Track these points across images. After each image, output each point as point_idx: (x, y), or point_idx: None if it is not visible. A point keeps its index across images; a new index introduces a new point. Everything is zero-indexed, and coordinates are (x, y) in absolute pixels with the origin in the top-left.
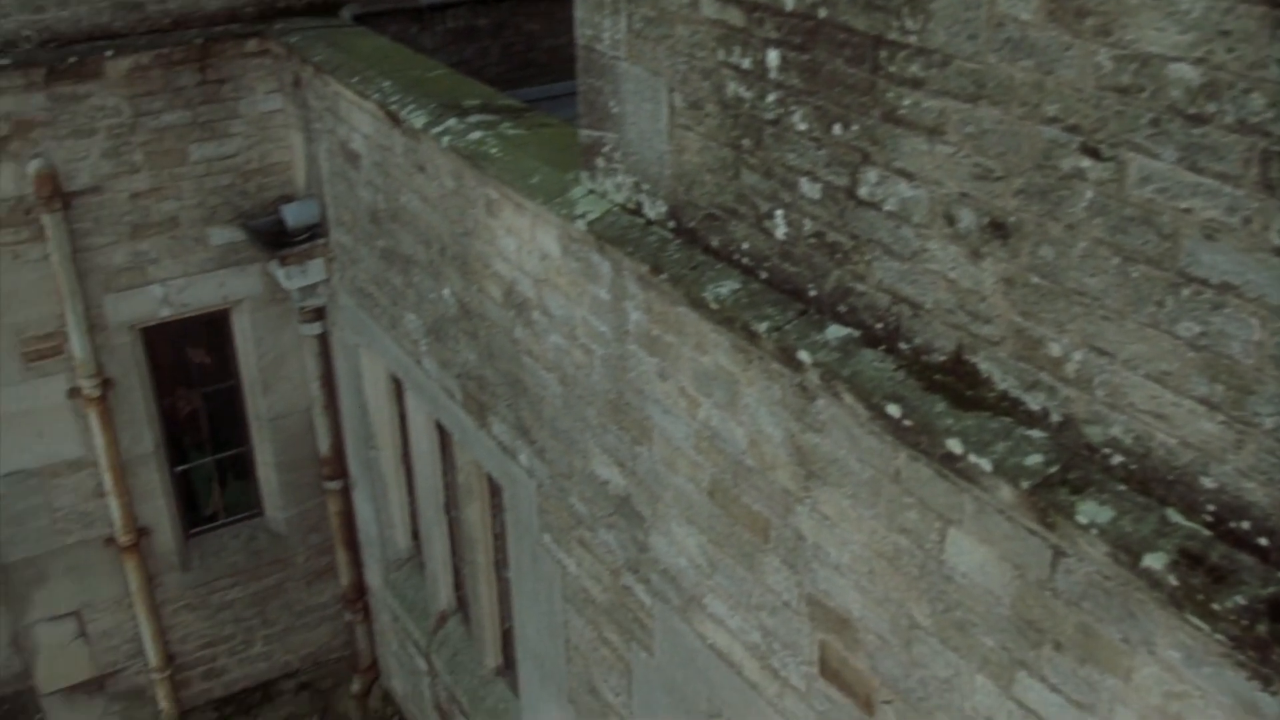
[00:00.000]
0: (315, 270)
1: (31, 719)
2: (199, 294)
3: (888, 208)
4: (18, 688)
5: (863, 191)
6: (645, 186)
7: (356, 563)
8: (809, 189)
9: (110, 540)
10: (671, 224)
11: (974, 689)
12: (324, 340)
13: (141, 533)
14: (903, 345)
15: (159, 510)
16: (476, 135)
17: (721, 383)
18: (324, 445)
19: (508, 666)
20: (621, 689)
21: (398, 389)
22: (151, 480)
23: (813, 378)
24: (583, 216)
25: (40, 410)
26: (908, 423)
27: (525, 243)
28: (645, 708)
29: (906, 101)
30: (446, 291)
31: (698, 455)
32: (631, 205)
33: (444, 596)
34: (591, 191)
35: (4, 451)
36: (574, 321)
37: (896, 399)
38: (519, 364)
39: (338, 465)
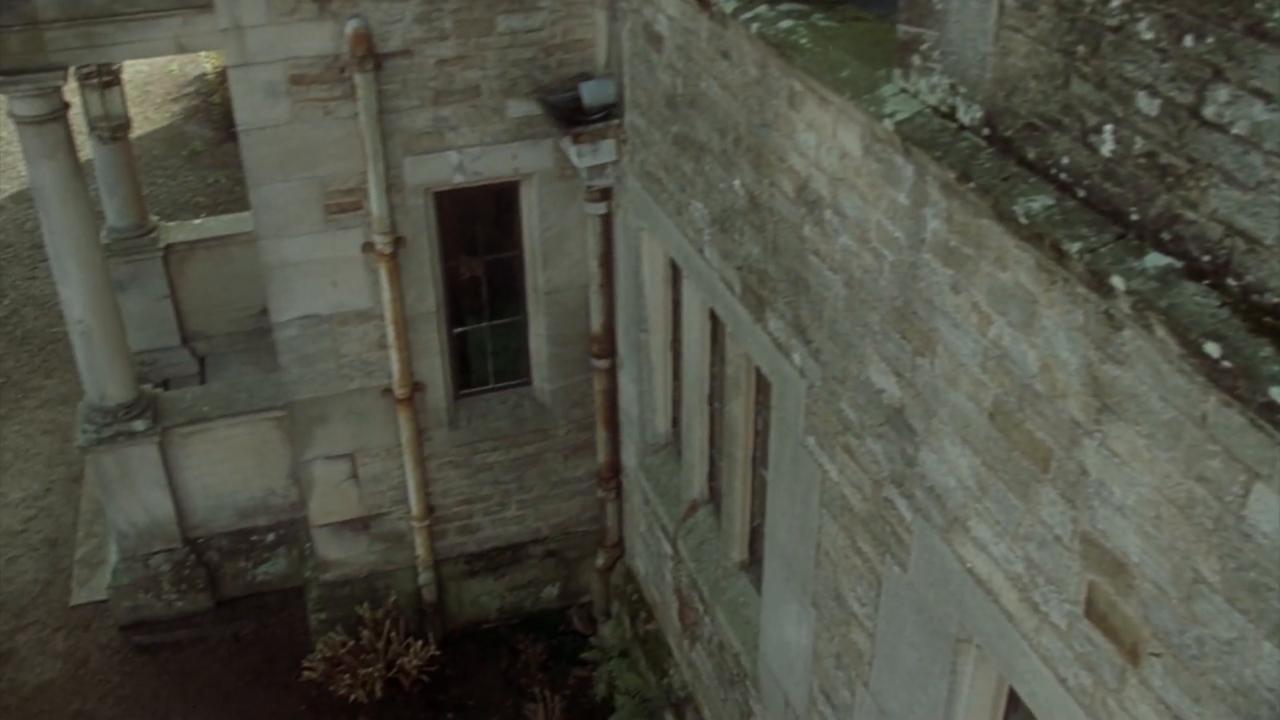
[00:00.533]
0: (606, 150)
1: (302, 546)
2: (491, 164)
3: (1236, 131)
4: (293, 516)
5: (1209, 111)
6: (961, 89)
7: (614, 442)
8: (1146, 104)
9: (387, 391)
10: (985, 131)
11: (1259, 656)
12: (607, 221)
13: (416, 387)
14: (1231, 281)
15: (434, 368)
16: (786, 24)
17: (1019, 302)
18: (596, 323)
19: (753, 562)
20: (868, 600)
21: (675, 275)
22: (430, 339)
23: (1123, 306)
24: (891, 116)
25: (336, 260)
26: (1226, 364)
27: (825, 139)
28: (891, 622)
29: (1277, 14)
30: (737, 183)
31: (983, 374)
32: (944, 108)
33: (697, 485)
34: (903, 91)
35: (301, 295)
36: (867, 224)
37: (1216, 338)
38: (804, 262)
39: (607, 344)
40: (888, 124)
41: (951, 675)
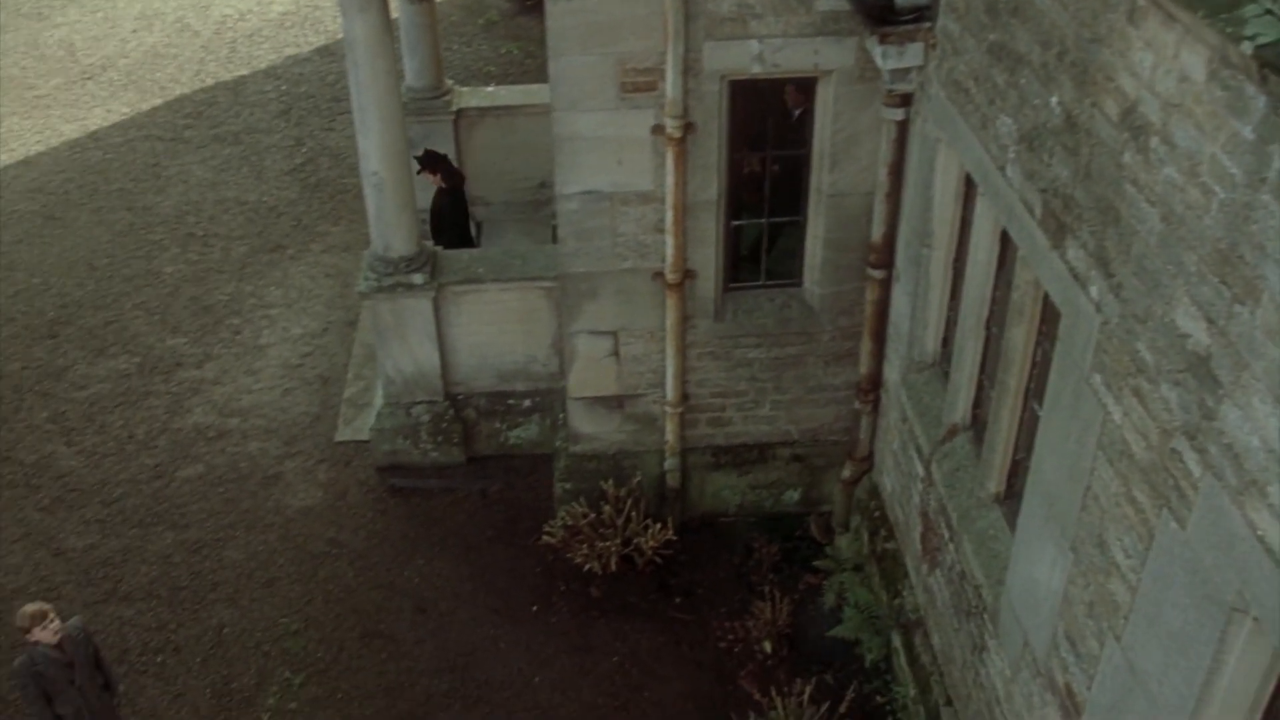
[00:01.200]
0: (913, 54)
1: (555, 416)
2: (791, 57)
3: None
4: (550, 386)
5: None
6: None
7: (879, 355)
8: None
9: (658, 274)
10: None
11: None
12: (903, 128)
13: (688, 275)
14: None
15: (707, 258)
16: None
17: None
18: (876, 233)
19: (1009, 496)
20: (1135, 553)
21: (968, 191)
22: (707, 228)
23: None
24: (1251, 39)
25: (624, 140)
26: None
27: (1164, 60)
28: (1157, 578)
29: None
30: (1054, 100)
31: None
32: None
33: (960, 410)
34: (1268, 13)
35: (586, 170)
36: (1199, 157)
37: None
38: (1118, 191)
39: (885, 255)
40: (1245, 46)
41: (1219, 644)
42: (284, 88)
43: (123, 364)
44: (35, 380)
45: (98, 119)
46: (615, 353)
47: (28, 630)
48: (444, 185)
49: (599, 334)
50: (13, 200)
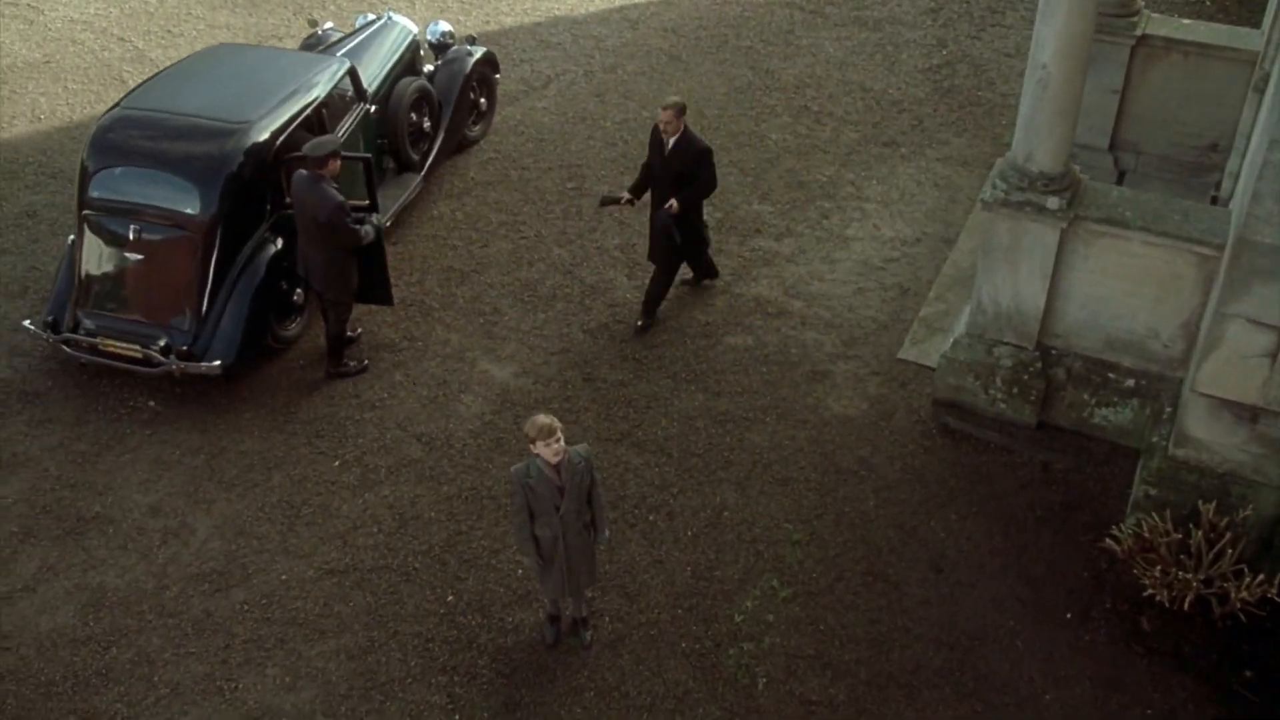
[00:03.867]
0: None
1: (1160, 407)
2: None
3: None
4: (1164, 371)
5: None
6: None
7: None
8: None
9: None
10: None
11: None
12: None
13: None
14: None
15: None
16: None
17: None
18: None
19: None
20: None
21: None
22: None
23: None
24: None
25: None
26: None
27: None
28: None
29: None
30: None
31: None
32: None
33: None
34: None
35: None
36: None
37: None
38: None
39: None
40: None
41: None
42: None
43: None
44: (611, 211)
45: None
46: (1273, 354)
47: (532, 441)
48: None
49: (1261, 326)
50: (647, 34)
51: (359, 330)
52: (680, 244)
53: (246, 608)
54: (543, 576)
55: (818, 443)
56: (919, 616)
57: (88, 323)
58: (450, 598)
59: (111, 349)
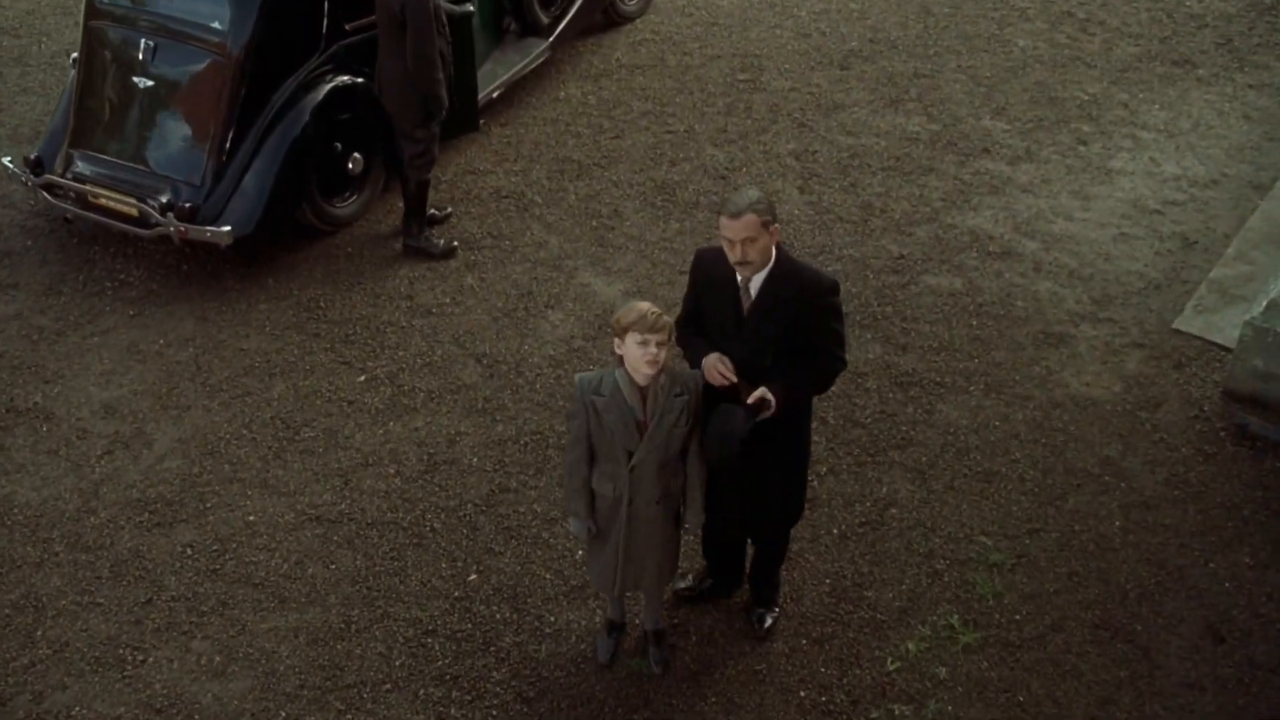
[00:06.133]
0: None
1: None
2: None
3: None
4: None
5: None
6: None
7: None
8: None
9: None
10: None
11: None
12: None
13: None
14: None
15: None
16: None
17: None
18: None
19: None
20: None
21: None
22: None
23: None
24: None
25: None
26: None
27: None
28: None
29: None
30: None
31: None
32: None
33: None
34: None
35: None
36: None
37: None
38: None
39: None
40: None
41: None
42: None
43: (914, 125)
44: (801, 106)
45: None
46: None
47: (623, 331)
48: None
49: None
50: None
51: (448, 210)
52: (742, 464)
53: (190, 553)
54: (591, 554)
55: (1043, 429)
56: (1181, 705)
57: (80, 166)
58: (473, 576)
59: (102, 202)
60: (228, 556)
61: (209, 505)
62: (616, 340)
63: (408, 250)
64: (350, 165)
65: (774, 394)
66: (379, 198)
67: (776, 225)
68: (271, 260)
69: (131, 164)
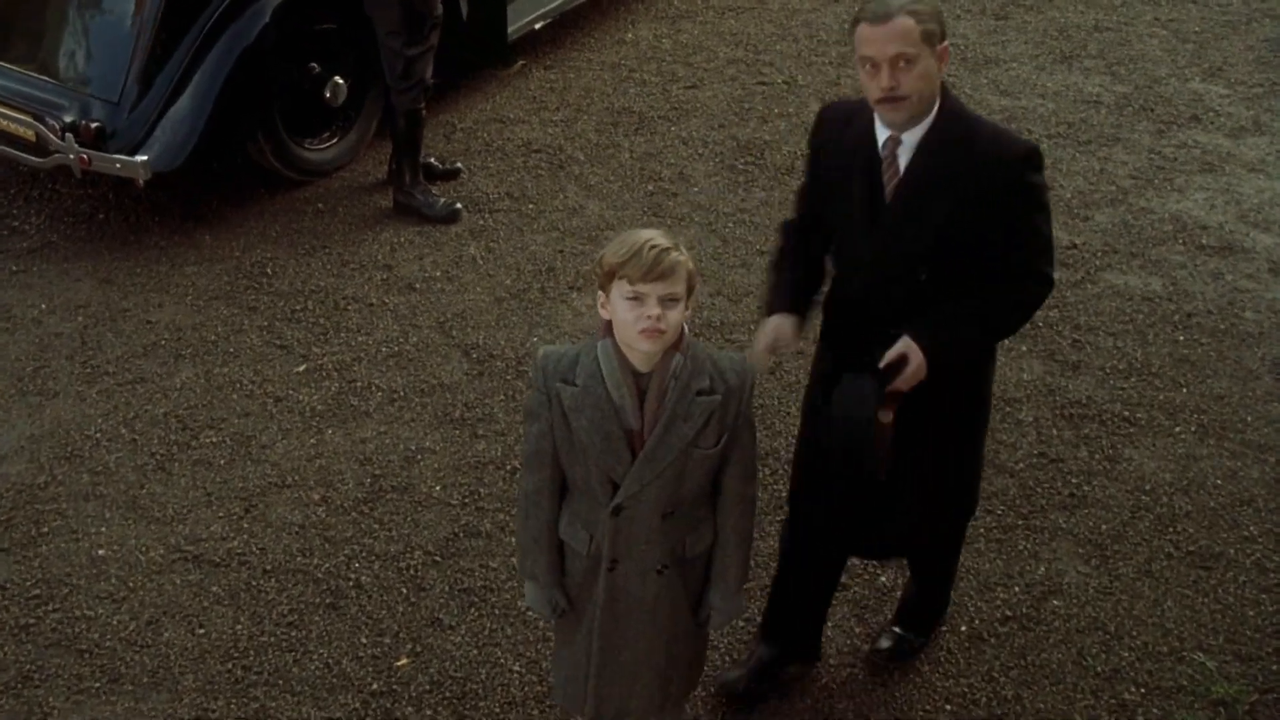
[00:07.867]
0: None
1: None
2: None
3: None
4: None
5: None
6: None
7: None
8: None
9: None
10: None
11: None
12: None
13: None
14: None
15: None
16: None
17: None
18: None
19: None
20: None
21: None
22: None
23: None
24: None
25: None
26: None
27: None
28: None
29: None
30: None
31: None
32: None
33: None
34: None
35: None
36: None
37: None
38: None
39: None
40: None
41: None
42: None
43: (1094, 85)
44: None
45: None
46: None
47: (608, 277)
48: None
49: None
50: None
51: (458, 164)
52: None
53: None
54: (558, 645)
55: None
56: None
57: None
58: (404, 660)
59: None
60: (52, 607)
61: (45, 531)
62: (600, 295)
63: (399, 207)
64: (329, 93)
65: (918, 345)
66: (374, 144)
67: (946, 45)
68: (214, 213)
69: (36, 74)
